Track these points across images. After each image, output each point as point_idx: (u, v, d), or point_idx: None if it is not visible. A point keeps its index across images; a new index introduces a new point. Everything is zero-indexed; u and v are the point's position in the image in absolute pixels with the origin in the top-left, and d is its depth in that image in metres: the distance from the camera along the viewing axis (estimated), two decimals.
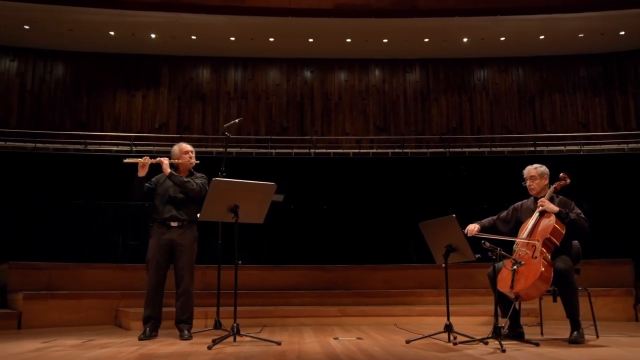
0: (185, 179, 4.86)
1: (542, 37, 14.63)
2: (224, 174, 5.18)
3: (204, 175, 5.00)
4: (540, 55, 15.70)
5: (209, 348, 3.96)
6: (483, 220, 4.95)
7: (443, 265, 4.63)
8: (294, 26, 14.45)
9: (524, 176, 4.98)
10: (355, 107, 16.36)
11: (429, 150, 14.53)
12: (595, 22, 13.63)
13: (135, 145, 13.71)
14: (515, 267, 4.45)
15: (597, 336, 4.85)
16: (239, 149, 15.13)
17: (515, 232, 4.75)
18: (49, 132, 14.51)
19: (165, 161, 4.84)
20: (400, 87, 16.45)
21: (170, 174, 4.82)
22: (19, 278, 7.73)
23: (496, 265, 4.35)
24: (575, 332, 4.39)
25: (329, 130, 16.17)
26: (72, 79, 15.76)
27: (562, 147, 13.76)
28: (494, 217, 5.00)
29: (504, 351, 3.74)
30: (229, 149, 14.70)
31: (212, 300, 7.68)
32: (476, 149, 14.79)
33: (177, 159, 4.94)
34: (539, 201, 4.69)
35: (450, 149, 14.25)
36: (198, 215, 4.74)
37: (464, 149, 14.46)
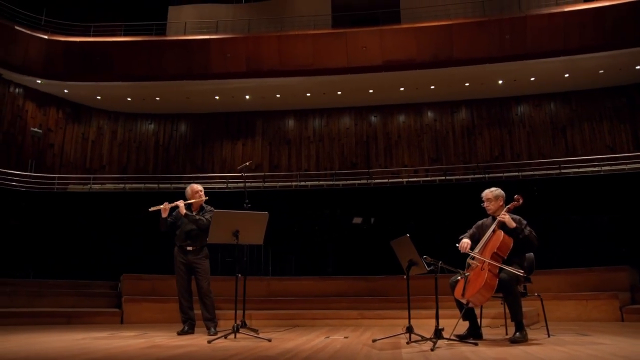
0: (197, 217, 5.19)
1: (566, 75, 13.82)
2: (249, 205, 5.46)
3: (212, 208, 5.29)
4: (569, 91, 14.79)
5: (209, 342, 4.23)
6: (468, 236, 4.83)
7: (405, 277, 4.66)
8: (355, 81, 14.71)
9: (482, 198, 4.89)
10: (412, 143, 16.25)
11: (470, 176, 14.11)
12: (612, 60, 12.71)
13: (231, 182, 14.47)
14: (459, 277, 4.44)
15: (548, 335, 4.63)
16: (317, 182, 15.52)
17: None
18: (174, 175, 15.76)
19: (180, 204, 5.19)
20: (449, 124, 16.15)
21: (185, 214, 5.18)
22: (130, 286, 8.46)
23: (437, 276, 4.32)
24: (517, 333, 4.24)
25: (390, 163, 16.16)
26: (191, 134, 16.94)
27: (587, 169, 12.89)
28: (467, 235, 4.89)
29: (432, 350, 3.72)
30: (304, 182, 15.29)
31: (270, 305, 8.06)
32: (516, 174, 14.16)
33: (190, 199, 5.30)
34: (500, 215, 4.58)
35: (489, 175, 13.77)
36: (207, 239, 5.06)
37: (502, 174, 13.88)
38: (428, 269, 4.41)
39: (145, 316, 7.58)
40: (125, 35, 14.75)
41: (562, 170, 12.81)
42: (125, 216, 12.32)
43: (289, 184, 15.01)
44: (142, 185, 15.07)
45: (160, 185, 14.64)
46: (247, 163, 5.76)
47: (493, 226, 4.61)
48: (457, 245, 4.74)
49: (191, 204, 5.31)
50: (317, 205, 13.03)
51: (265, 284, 9.00)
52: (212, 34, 14.55)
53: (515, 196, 4.72)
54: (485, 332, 4.93)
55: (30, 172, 13.93)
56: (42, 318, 7.03)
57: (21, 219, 12.11)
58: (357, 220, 12.62)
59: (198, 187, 5.38)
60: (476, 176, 13.95)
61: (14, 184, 12.94)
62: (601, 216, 10.45)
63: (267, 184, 15.07)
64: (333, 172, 15.45)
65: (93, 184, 14.66)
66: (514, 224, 4.46)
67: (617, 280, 7.43)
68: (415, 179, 14.75)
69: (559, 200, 11.33)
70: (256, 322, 6.88)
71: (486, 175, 13.61)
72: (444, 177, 14.17)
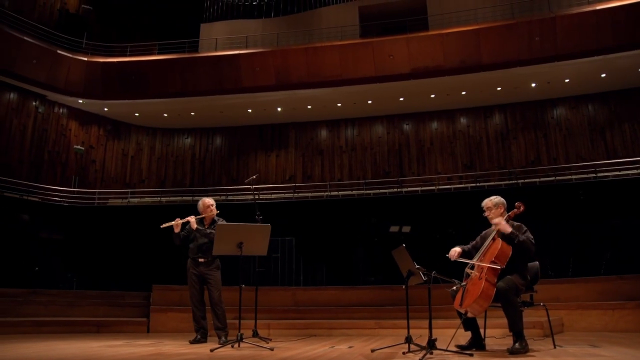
0: (208, 231, 5.38)
1: (603, 75, 13.35)
2: (261, 217, 5.60)
3: (224, 221, 5.47)
4: (607, 91, 14.27)
5: (211, 351, 4.39)
6: (464, 246, 4.84)
7: (403, 287, 4.68)
8: (384, 90, 14.71)
9: (483, 208, 4.85)
10: (445, 150, 16.07)
11: (504, 182, 13.80)
12: None
13: (261, 194, 14.72)
14: (455, 288, 4.44)
15: (554, 347, 4.53)
16: (349, 192, 15.57)
17: None
18: (210, 188, 16.20)
19: (192, 219, 5.40)
20: (482, 130, 15.89)
21: (197, 228, 5.40)
22: (159, 297, 8.78)
23: (430, 286, 4.32)
24: (516, 344, 4.16)
25: (423, 171, 16.03)
26: (226, 146, 17.38)
27: (628, 172, 12.36)
28: (469, 245, 4.89)
29: None
30: (336, 192, 15.37)
31: (292, 314, 8.18)
32: (551, 178, 13.76)
33: (202, 213, 5.50)
34: (495, 222, 4.54)
35: (522, 180, 13.44)
36: (212, 252, 5.22)
37: (536, 179, 13.51)
38: (424, 279, 4.42)
39: (171, 325, 7.86)
40: (159, 53, 15.37)
41: (599, 174, 12.34)
42: (160, 228, 12.76)
43: (321, 194, 15.14)
44: (178, 198, 15.58)
45: (195, 198, 15.07)
46: (254, 176, 5.94)
47: (492, 234, 4.58)
48: (447, 255, 4.74)
49: (203, 218, 5.52)
50: (348, 214, 13.10)
51: (291, 294, 9.14)
52: (242, 49, 14.94)
53: (516, 203, 4.65)
54: (491, 343, 4.88)
55: (74, 187, 14.69)
56: (74, 327, 7.43)
57: (64, 233, 12.78)
58: (394, 228, 12.61)
59: (210, 201, 5.59)
60: (509, 182, 13.64)
61: (57, 199, 13.69)
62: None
63: (298, 195, 15.25)
64: (363, 181, 15.48)
65: (131, 197, 15.28)
66: (509, 230, 4.40)
67: None
68: (447, 187, 14.57)
69: (596, 204, 10.95)
70: (274, 331, 7.02)
71: (519, 181, 13.29)
72: (475, 184, 13.93)
